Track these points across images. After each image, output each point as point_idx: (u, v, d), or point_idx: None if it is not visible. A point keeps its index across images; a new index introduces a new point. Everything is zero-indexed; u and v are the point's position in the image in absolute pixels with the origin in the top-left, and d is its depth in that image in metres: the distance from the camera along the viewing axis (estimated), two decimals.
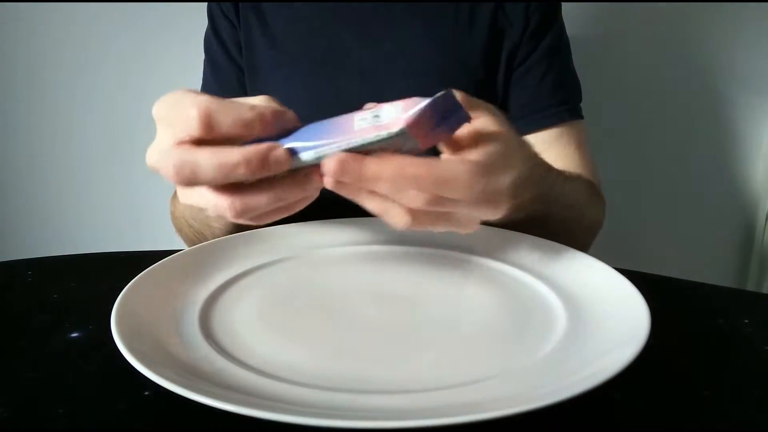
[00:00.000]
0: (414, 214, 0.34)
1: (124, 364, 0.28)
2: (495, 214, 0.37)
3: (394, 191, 0.33)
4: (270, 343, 0.34)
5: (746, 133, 1.11)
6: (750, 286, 1.16)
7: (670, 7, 1.04)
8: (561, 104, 0.70)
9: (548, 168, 0.47)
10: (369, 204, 0.35)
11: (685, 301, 0.43)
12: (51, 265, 0.50)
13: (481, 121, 0.37)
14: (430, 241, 0.50)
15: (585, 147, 0.70)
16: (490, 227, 0.50)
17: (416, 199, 0.33)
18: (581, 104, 0.72)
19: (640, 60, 1.07)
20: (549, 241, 0.46)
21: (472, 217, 0.37)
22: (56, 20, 1.04)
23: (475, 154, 0.34)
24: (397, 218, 0.35)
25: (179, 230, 0.62)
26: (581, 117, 0.71)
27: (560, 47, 0.72)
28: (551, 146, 0.67)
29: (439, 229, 0.36)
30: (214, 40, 0.72)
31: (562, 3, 0.72)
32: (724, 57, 1.07)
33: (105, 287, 0.39)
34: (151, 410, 0.30)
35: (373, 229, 0.51)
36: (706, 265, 1.18)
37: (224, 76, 0.72)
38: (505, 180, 0.36)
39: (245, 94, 0.71)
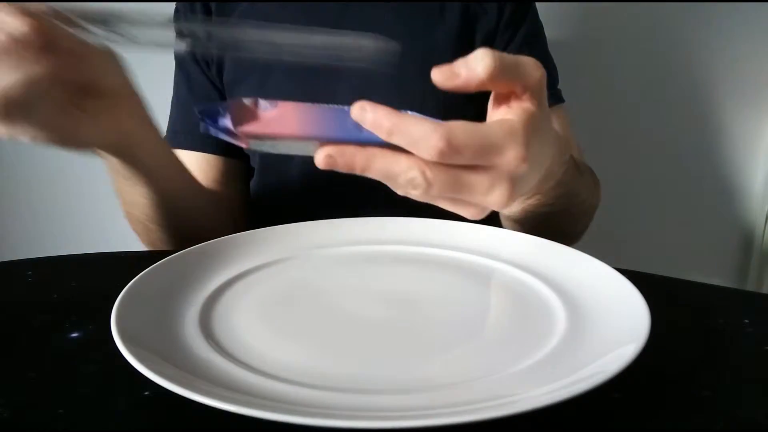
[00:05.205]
0: (432, 171, 0.29)
1: (124, 364, 0.28)
2: (512, 193, 0.31)
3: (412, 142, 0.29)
4: (270, 343, 0.34)
5: (747, 133, 1.11)
6: (750, 286, 1.16)
7: (671, 7, 1.04)
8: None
9: (569, 158, 0.46)
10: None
11: (685, 301, 0.43)
12: (51, 265, 0.50)
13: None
14: (430, 241, 0.50)
15: (569, 130, 0.71)
16: (488, 226, 0.50)
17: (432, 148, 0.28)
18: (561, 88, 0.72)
19: (641, 60, 1.07)
20: (549, 241, 0.46)
21: (492, 191, 0.31)
22: None
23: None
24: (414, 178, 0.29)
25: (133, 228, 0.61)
26: (563, 100, 0.72)
27: (538, 33, 0.72)
28: None
29: (449, 204, 0.33)
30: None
31: (563, 3, 0.72)
32: (725, 57, 1.07)
33: (105, 287, 0.39)
34: (151, 410, 0.30)
35: (373, 229, 0.51)
36: (706, 265, 1.18)
37: (196, 82, 0.71)
38: (544, 150, 0.32)
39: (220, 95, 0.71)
